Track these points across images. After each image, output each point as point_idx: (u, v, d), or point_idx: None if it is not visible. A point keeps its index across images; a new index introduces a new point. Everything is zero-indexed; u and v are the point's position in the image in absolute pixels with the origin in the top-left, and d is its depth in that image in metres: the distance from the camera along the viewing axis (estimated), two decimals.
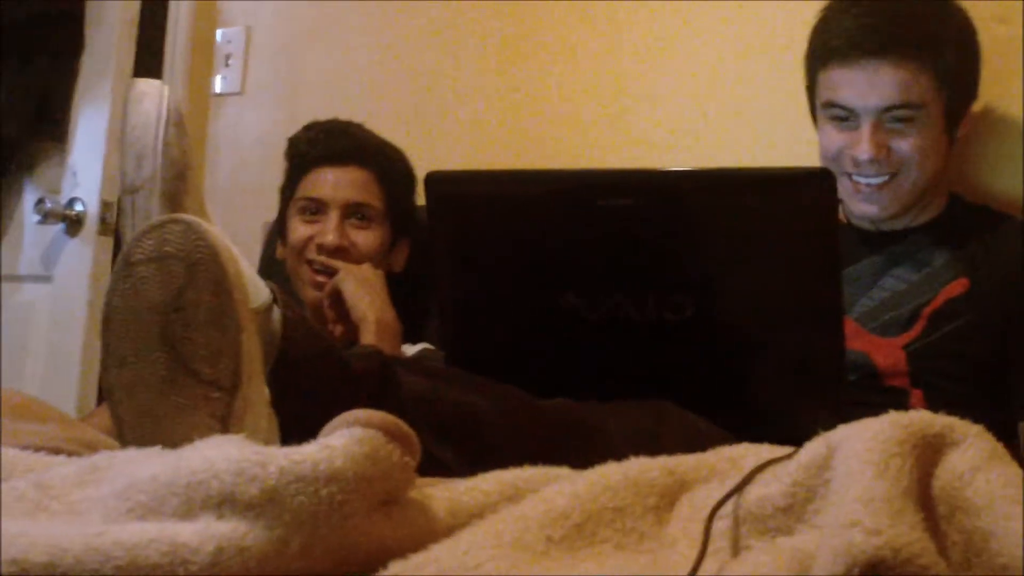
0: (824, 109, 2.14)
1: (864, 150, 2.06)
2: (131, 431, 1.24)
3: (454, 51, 3.07)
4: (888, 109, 2.05)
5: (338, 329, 2.20)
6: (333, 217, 2.38)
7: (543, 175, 1.77)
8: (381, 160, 2.49)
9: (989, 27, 2.24)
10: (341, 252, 2.35)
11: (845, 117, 2.09)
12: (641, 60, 2.79)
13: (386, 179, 2.46)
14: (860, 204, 2.13)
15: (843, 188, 2.12)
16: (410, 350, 2.27)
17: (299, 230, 2.41)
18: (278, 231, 2.54)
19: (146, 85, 1.41)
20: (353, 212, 2.41)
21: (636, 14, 2.80)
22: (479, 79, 3.02)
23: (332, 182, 2.42)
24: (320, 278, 2.33)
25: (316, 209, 2.42)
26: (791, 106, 2.32)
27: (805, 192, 1.51)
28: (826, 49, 2.13)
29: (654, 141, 2.74)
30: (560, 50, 2.90)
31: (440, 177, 1.62)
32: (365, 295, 2.20)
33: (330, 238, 2.35)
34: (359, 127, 2.57)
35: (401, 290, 2.32)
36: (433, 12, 3.12)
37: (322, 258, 2.34)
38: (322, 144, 2.49)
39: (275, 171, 2.94)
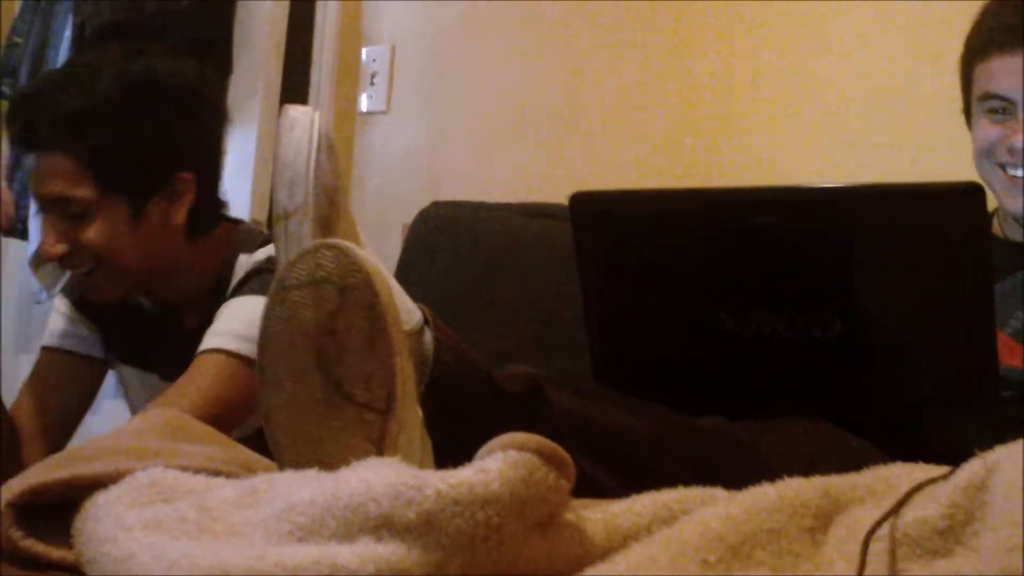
0: (980, 102, 2.11)
1: (1022, 138, 2.02)
2: (288, 453, 1.26)
3: (604, 65, 3.08)
4: None
5: None
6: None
7: (689, 194, 1.77)
8: None
9: None
10: None
11: (1002, 108, 2.06)
12: (797, 72, 2.78)
13: None
14: (1016, 199, 2.09)
15: (998, 184, 2.08)
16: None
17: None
18: None
19: (297, 112, 1.43)
20: None
21: (795, 23, 2.79)
22: (630, 95, 3.02)
23: None
24: None
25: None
26: (947, 116, 2.29)
27: (954, 207, 1.49)
28: (984, 42, 2.11)
29: (810, 154, 2.73)
30: (721, 62, 2.90)
31: (586, 197, 1.63)
32: None
33: None
34: None
35: None
36: (581, 27, 3.13)
37: None
38: None
39: (421, 187, 2.98)
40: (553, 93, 3.16)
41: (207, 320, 2.10)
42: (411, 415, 1.27)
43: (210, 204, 2.23)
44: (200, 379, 1.98)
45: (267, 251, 2.16)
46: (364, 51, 3.50)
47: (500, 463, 1.01)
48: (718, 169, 2.85)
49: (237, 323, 2.02)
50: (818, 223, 1.55)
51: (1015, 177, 2.07)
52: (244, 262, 2.18)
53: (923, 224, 1.51)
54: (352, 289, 1.26)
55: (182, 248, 2.18)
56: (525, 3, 3.25)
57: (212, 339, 2.03)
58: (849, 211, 1.55)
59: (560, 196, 1.67)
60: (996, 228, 2.19)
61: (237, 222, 2.33)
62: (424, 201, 2.92)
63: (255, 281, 2.10)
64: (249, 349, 1.93)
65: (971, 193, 1.48)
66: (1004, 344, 2.05)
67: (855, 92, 2.69)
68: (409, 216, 2.93)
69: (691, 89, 2.93)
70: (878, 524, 1.05)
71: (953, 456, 1.12)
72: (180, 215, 2.15)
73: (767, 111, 2.81)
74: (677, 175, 2.88)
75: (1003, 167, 2.08)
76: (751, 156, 2.82)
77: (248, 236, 2.26)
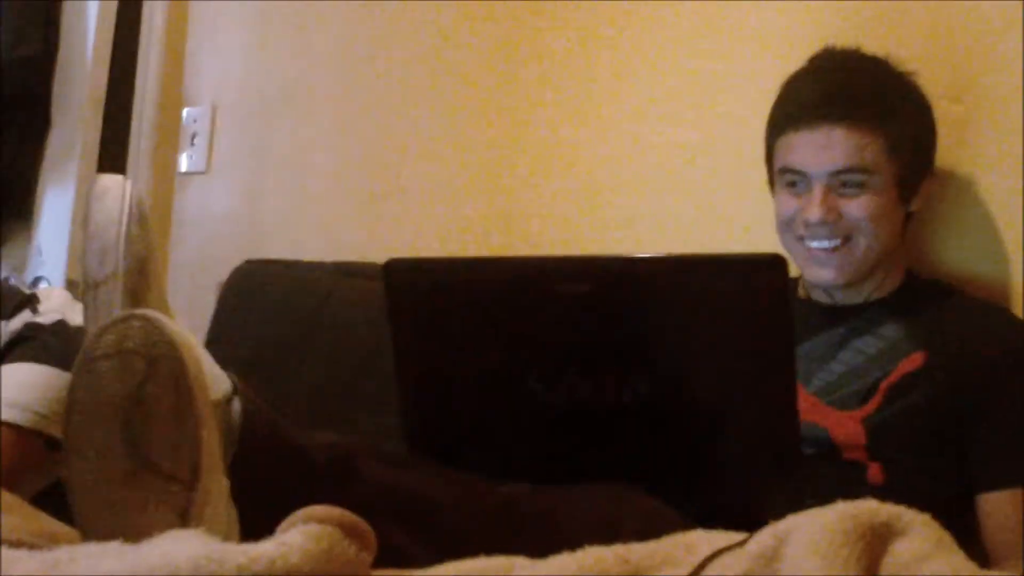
0: (780, 176, 2.19)
1: (815, 212, 2.09)
2: (91, 524, 1.25)
3: (422, 129, 3.09)
4: (839, 173, 2.09)
5: None
6: None
7: (502, 262, 1.79)
8: None
9: (942, 105, 2.28)
10: None
11: (799, 182, 2.14)
12: (615, 143, 2.81)
13: None
14: (814, 269, 2.16)
15: (798, 256, 2.15)
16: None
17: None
18: None
19: (109, 180, 1.43)
20: None
21: (610, 97, 2.83)
22: (449, 161, 3.04)
23: None
24: None
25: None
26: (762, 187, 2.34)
27: (757, 277, 1.53)
28: (784, 117, 2.18)
29: (630, 224, 2.77)
30: (535, 130, 2.92)
31: (400, 264, 1.64)
32: None
33: None
34: None
35: None
36: (400, 91, 3.14)
37: None
38: None
39: (239, 248, 2.97)
40: (371, 157, 3.17)
41: None
42: (217, 486, 1.27)
43: None
44: None
45: (24, 317, 2.11)
46: (184, 111, 3.49)
47: (301, 537, 1.01)
48: (536, 237, 2.87)
49: (7, 391, 1.96)
50: (627, 292, 1.58)
51: (811, 248, 2.14)
52: None
53: (727, 294, 1.55)
54: (159, 360, 1.26)
55: None
56: (346, 67, 3.27)
57: None
58: (656, 281, 1.58)
59: (378, 259, 1.67)
60: (802, 291, 2.26)
61: None
62: (242, 259, 2.92)
63: (23, 348, 2.05)
64: (22, 417, 1.90)
65: (773, 265, 1.52)
66: (808, 403, 2.11)
67: (672, 163, 2.74)
68: (227, 275, 2.92)
69: (510, 157, 2.95)
70: None
71: (758, 519, 1.15)
72: None
73: (585, 182, 2.84)
74: (494, 242, 2.90)
75: (802, 239, 2.15)
76: (569, 225, 2.84)
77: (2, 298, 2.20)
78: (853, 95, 2.11)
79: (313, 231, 3.22)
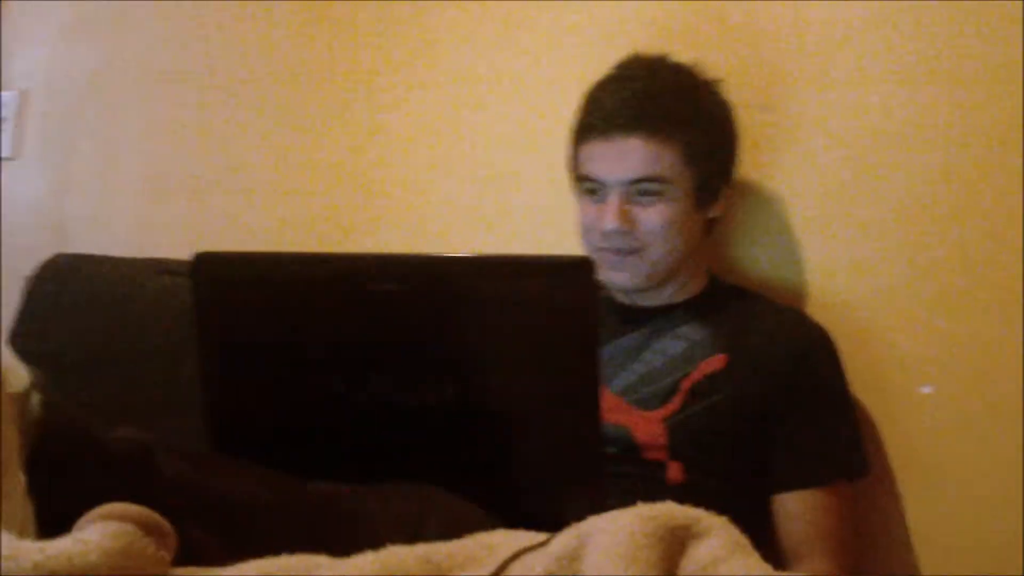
0: (580, 183, 2.22)
1: (609, 220, 2.14)
2: None
3: (237, 124, 3.07)
4: (635, 182, 2.13)
5: None
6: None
7: (312, 258, 1.78)
8: None
9: (753, 114, 2.33)
10: None
11: (597, 190, 2.18)
12: (448, 142, 2.82)
13: None
14: (609, 274, 2.21)
15: (599, 260, 2.18)
16: None
17: None
18: None
19: None
20: None
21: (429, 93, 2.84)
22: (263, 155, 3.02)
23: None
24: None
25: None
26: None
27: (565, 279, 1.54)
28: (584, 126, 2.22)
29: (450, 222, 2.78)
30: (352, 126, 2.91)
31: (209, 258, 1.62)
32: None
33: None
34: None
35: None
36: (216, 84, 3.11)
37: None
38: None
39: (46, 237, 2.91)
40: (186, 150, 3.13)
41: None
42: (13, 481, 1.25)
43: None
44: None
45: None
46: None
47: (99, 534, 1.00)
48: (353, 235, 2.86)
49: None
50: (434, 291, 1.57)
51: (607, 253, 2.17)
52: None
53: (534, 295, 1.55)
54: None
55: None
56: (161, 59, 3.23)
57: None
58: (463, 280, 1.58)
59: (189, 253, 1.65)
60: (606, 293, 2.29)
61: None
62: (50, 251, 2.86)
63: None
64: None
65: (580, 266, 1.54)
66: (611, 403, 2.14)
67: (491, 161, 2.75)
68: (33, 266, 2.86)
69: (328, 152, 2.94)
70: None
71: (562, 519, 1.17)
72: None
73: (416, 180, 2.84)
74: (312, 238, 2.89)
75: (601, 247, 2.18)
76: (387, 223, 2.85)
77: None
78: (650, 105, 2.15)
79: (122, 225, 3.18)
